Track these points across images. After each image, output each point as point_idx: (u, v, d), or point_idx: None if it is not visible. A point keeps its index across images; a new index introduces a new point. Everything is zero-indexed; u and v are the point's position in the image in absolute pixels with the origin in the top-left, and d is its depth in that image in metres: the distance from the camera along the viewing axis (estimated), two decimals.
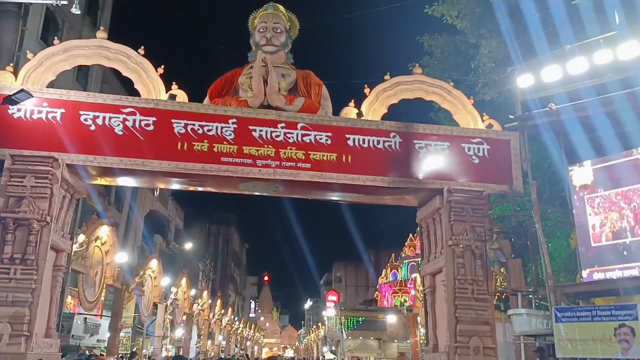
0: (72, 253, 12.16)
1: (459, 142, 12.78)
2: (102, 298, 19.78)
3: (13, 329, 9.88)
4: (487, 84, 16.23)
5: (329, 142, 12.26)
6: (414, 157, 12.54)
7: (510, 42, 13.33)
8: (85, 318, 18.33)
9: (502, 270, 11.65)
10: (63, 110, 11.30)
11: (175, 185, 13.50)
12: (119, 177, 12.32)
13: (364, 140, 12.41)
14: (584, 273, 10.28)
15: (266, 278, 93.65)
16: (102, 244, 14.96)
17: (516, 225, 12.34)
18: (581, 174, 10.56)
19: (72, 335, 16.96)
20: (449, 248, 12.04)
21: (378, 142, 12.48)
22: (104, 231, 14.91)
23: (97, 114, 11.44)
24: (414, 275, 25.65)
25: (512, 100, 14.35)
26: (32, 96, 10.02)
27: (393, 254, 41.91)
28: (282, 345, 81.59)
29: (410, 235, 40.17)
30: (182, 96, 12.16)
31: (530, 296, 11.35)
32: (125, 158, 11.37)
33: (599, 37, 10.61)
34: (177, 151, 11.60)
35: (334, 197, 13.67)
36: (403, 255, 39.91)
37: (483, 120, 13.25)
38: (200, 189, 13.29)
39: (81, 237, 12.80)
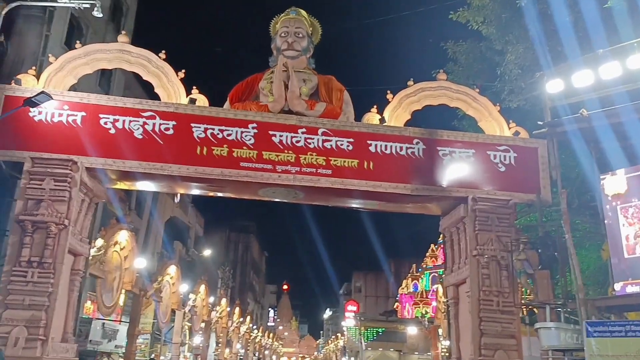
0: (90, 257, 12.05)
1: (484, 149, 12.42)
2: (121, 303, 19.80)
3: (29, 333, 9.78)
4: (513, 91, 15.83)
5: (350, 148, 12.02)
6: (437, 165, 12.22)
7: (539, 47, 12.94)
8: (104, 323, 18.28)
9: (528, 282, 11.22)
10: (83, 114, 11.27)
11: (195, 190, 13.37)
12: (138, 181, 12.22)
13: (386, 146, 12.14)
14: (617, 286, 9.81)
15: (285, 287, 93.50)
16: (121, 249, 14.87)
17: (544, 235, 11.90)
18: (614, 183, 10.11)
19: (90, 341, 16.91)
20: (474, 258, 11.65)
21: (401, 148, 12.20)
22: (122, 236, 14.84)
23: (117, 117, 11.38)
24: (435, 287, 25.18)
25: (539, 107, 13.96)
26: (52, 98, 9.99)
27: (414, 265, 41.31)
28: (301, 355, 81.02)
29: (432, 245, 39.59)
30: (202, 100, 12.05)
31: (559, 309, 10.88)
32: (145, 162, 11.27)
33: (633, 41, 10.19)
34: (196, 156, 11.47)
35: (355, 204, 13.40)
36: (424, 266, 39.34)
37: (509, 128, 12.87)
38: (219, 194, 13.14)
39: (99, 242, 12.72)
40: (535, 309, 13.09)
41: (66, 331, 10.94)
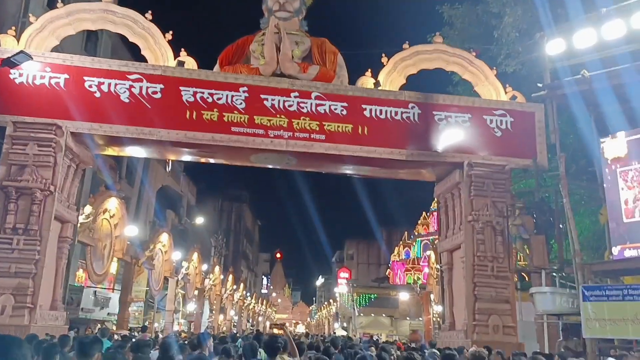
0: (79, 225, 11.80)
1: (480, 114, 12.16)
2: (114, 272, 19.65)
3: (16, 301, 9.60)
4: (510, 55, 15.47)
5: (344, 112, 11.71)
6: (433, 129, 11.96)
7: (540, 6, 12.53)
8: (95, 291, 18.16)
9: (524, 247, 11.13)
10: (67, 76, 10.84)
11: (185, 157, 13.06)
12: (127, 146, 11.88)
13: (381, 111, 11.84)
14: (615, 250, 9.72)
15: (278, 255, 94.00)
16: (111, 217, 14.63)
17: (539, 201, 11.78)
18: (614, 146, 9.91)
19: (82, 309, 16.81)
20: (469, 224, 11.52)
21: (396, 113, 11.91)
22: (112, 204, 14.57)
23: (102, 80, 10.97)
24: (427, 253, 25.22)
25: (536, 72, 13.66)
26: (32, 58, 9.55)
27: (406, 232, 41.47)
28: (294, 321, 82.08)
29: (424, 213, 39.69)
30: (191, 63, 11.64)
31: (554, 274, 10.82)
32: (132, 127, 10.93)
33: None
34: (185, 120, 11.13)
35: (349, 170, 13.18)
36: (416, 234, 39.54)
37: (506, 92, 12.60)
38: (211, 160, 12.84)
39: (88, 209, 12.46)
40: (526, 275, 13.10)
41: (55, 299, 10.77)
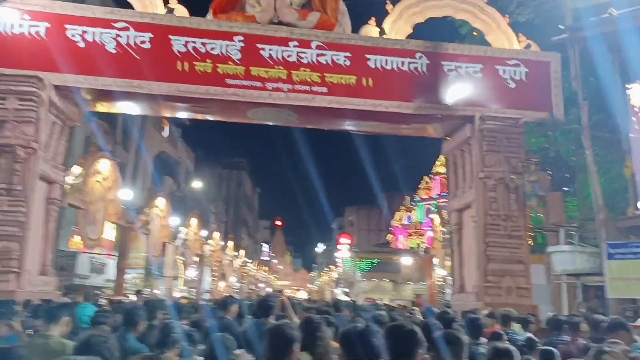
0: (68, 186, 11.14)
1: (493, 64, 11.37)
2: (112, 238, 19.07)
3: (2, 265, 9.02)
4: (522, 2, 14.57)
5: (347, 63, 10.91)
6: (442, 81, 11.19)
7: None
8: (91, 257, 17.65)
9: (539, 205, 10.52)
10: (47, 25, 10.00)
11: (180, 113, 12.35)
12: (116, 102, 11.15)
13: (386, 61, 11.04)
14: None
15: (279, 223, 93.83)
16: (104, 179, 13.96)
17: (555, 156, 11.12)
18: None
19: (78, 275, 16.33)
20: (480, 181, 10.88)
21: (402, 63, 11.11)
22: (104, 165, 13.88)
23: (85, 29, 10.13)
24: (431, 216, 24.73)
25: (550, 21, 12.83)
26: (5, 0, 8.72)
27: (407, 197, 40.99)
28: (295, 288, 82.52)
29: (425, 177, 39.14)
30: (181, 11, 10.79)
31: (573, 232, 10.24)
32: (120, 79, 10.15)
33: None
34: (177, 72, 10.35)
35: (352, 126, 12.45)
36: (417, 198, 39.05)
37: (519, 42, 11.77)
38: (206, 116, 12.11)
39: (77, 169, 11.78)
40: (540, 234, 12.52)
41: (44, 264, 10.19)
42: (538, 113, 11.27)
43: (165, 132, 36.69)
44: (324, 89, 10.72)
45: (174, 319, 4.35)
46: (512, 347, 3.14)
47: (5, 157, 9.35)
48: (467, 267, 11.58)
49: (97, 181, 13.65)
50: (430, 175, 38.07)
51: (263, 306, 4.82)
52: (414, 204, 39.36)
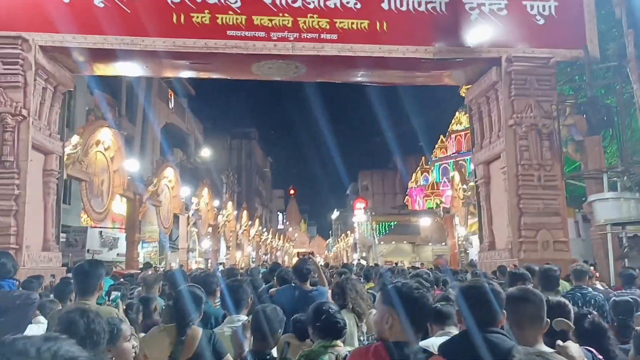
0: (65, 156, 10.42)
1: None
2: (124, 211, 18.47)
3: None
4: None
5: (358, 6, 9.95)
6: (464, 21, 10.19)
7: None
8: (101, 232, 17.12)
9: (576, 150, 9.62)
10: None
11: (181, 72, 11.51)
12: (110, 63, 10.33)
13: (401, 2, 10.06)
14: None
15: (292, 191, 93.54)
16: (106, 149, 13.24)
17: (591, 97, 10.15)
18: None
19: (88, 250, 15.81)
20: (510, 129, 9.98)
21: (419, 3, 10.12)
22: (105, 135, 13.13)
23: None
24: (452, 174, 23.84)
25: None
26: None
27: (423, 157, 40.04)
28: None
29: (441, 136, 38.07)
30: None
31: (616, 178, 9.35)
32: (111, 36, 9.29)
33: None
34: (173, 25, 9.47)
35: (366, 77, 11.51)
36: (434, 158, 38.10)
37: None
38: (209, 74, 11.26)
39: (75, 139, 11.04)
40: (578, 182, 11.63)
41: (47, 239, 9.58)
42: (571, 51, 10.24)
43: (172, 104, 35.91)
44: (334, 36, 9.79)
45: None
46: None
47: None
48: (497, 222, 10.79)
49: (99, 151, 12.93)
50: (446, 134, 37.04)
51: (300, 272, 4.53)
52: (430, 164, 38.46)
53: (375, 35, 9.91)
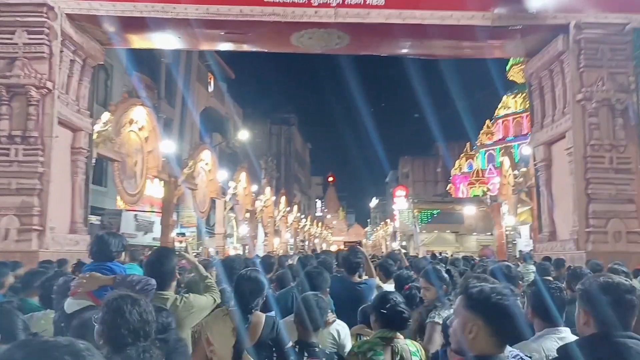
0: (95, 134, 9.91)
1: None
2: (161, 195, 18.12)
3: (21, 223, 7.93)
4: None
5: None
6: None
7: None
8: (136, 215, 16.78)
9: None
10: None
11: (217, 44, 10.83)
12: (142, 33, 9.71)
13: None
14: None
15: (331, 179, 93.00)
16: (140, 129, 12.72)
17: None
18: None
19: (122, 234, 15.42)
20: (578, 104, 8.89)
21: None
22: (140, 114, 12.59)
23: None
24: (500, 159, 22.54)
25: None
26: None
27: (468, 143, 38.52)
28: (350, 242, 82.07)
29: (487, 121, 36.46)
30: None
31: None
32: (141, 3, 8.66)
33: None
34: None
35: (414, 48, 10.54)
36: (479, 144, 36.56)
37: None
38: (246, 46, 10.51)
39: (106, 116, 10.52)
40: None
41: (74, 220, 9.11)
42: None
43: (211, 87, 35.66)
44: (381, 2, 8.88)
45: None
46: None
47: (17, 99, 8.15)
48: (559, 210, 9.74)
49: (133, 131, 12.42)
50: (493, 119, 35.43)
51: (350, 264, 4.08)
52: (475, 150, 36.94)
53: (426, 0, 8.95)
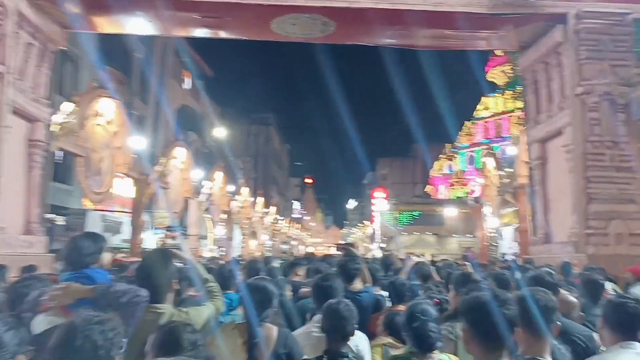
0: (55, 126, 9.03)
1: None
2: (132, 194, 17.16)
3: None
4: None
5: None
6: None
7: None
8: (103, 215, 15.82)
9: None
10: None
11: (192, 29, 9.96)
12: (108, 16, 8.88)
13: None
14: None
15: (309, 180, 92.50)
16: (107, 123, 11.83)
17: None
18: None
19: None
20: (577, 99, 8.36)
21: None
22: (107, 106, 11.70)
23: None
24: (483, 160, 22.14)
25: None
26: None
27: (448, 144, 38.18)
28: (327, 245, 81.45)
29: (467, 122, 36.17)
30: None
31: None
32: None
33: None
34: None
35: (404, 39, 9.89)
36: (459, 145, 36.25)
37: None
38: (224, 32, 9.72)
39: (68, 106, 9.62)
40: None
41: (29, 220, 8.23)
42: None
43: (187, 85, 34.71)
44: None
45: None
46: None
47: None
48: (555, 210, 9.20)
49: (99, 124, 11.53)
50: (472, 120, 35.13)
51: (347, 272, 3.61)
52: (454, 151, 36.61)
53: None
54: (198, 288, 2.91)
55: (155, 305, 2.43)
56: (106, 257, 3.19)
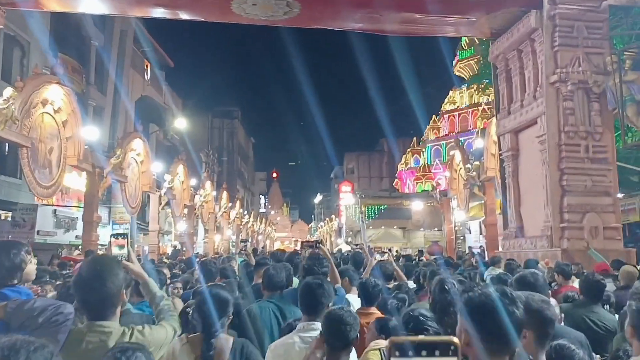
0: None
1: None
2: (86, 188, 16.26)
3: None
4: None
5: None
6: None
7: None
8: (55, 210, 14.90)
9: (638, 114, 7.74)
10: None
11: (148, 9, 9.26)
12: None
13: None
14: None
15: (275, 174, 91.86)
16: (56, 112, 10.99)
17: None
18: None
19: (39, 232, 13.59)
20: (552, 87, 8.07)
21: None
22: (55, 93, 10.84)
23: None
24: (452, 152, 21.99)
25: None
26: None
27: (415, 138, 38.16)
28: (294, 239, 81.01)
29: (433, 116, 36.15)
30: None
31: None
32: None
33: None
34: None
35: (369, 22, 9.42)
36: (426, 139, 36.21)
37: None
38: (182, 13, 9.05)
39: (7, 91, 8.77)
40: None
41: None
42: None
43: (148, 75, 33.58)
44: None
45: None
46: None
47: None
48: (528, 203, 8.93)
49: (47, 113, 10.68)
50: (438, 114, 35.10)
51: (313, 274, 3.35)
52: (421, 145, 36.53)
53: None
54: (150, 306, 2.50)
55: (101, 323, 2.04)
56: (30, 270, 2.62)
